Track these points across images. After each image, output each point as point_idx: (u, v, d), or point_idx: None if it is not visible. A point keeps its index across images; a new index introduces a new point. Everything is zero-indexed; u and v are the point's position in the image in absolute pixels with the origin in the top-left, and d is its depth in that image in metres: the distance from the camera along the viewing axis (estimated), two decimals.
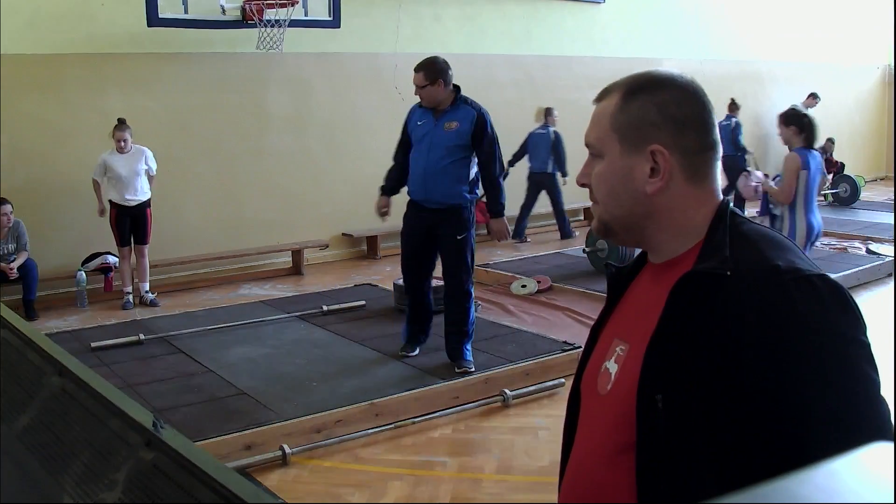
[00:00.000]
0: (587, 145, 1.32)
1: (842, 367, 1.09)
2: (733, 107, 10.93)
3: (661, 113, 1.23)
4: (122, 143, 6.86)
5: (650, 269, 1.35)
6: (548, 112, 9.72)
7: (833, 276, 1.16)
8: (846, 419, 1.07)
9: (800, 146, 5.45)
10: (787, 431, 1.07)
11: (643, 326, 1.24)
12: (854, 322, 1.12)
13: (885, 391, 1.12)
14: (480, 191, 5.21)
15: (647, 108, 1.24)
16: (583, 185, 1.34)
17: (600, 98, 1.32)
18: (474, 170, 5.06)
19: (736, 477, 1.08)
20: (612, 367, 1.30)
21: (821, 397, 1.07)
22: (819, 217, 5.60)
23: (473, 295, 5.25)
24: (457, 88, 5.04)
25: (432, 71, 4.91)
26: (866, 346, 1.12)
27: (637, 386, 1.19)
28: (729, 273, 1.13)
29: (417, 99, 5.10)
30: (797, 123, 5.47)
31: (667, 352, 1.17)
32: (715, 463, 1.11)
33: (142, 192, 6.99)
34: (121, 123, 6.90)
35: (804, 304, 1.10)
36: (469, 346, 5.19)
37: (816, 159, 5.49)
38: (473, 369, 5.05)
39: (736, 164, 9.90)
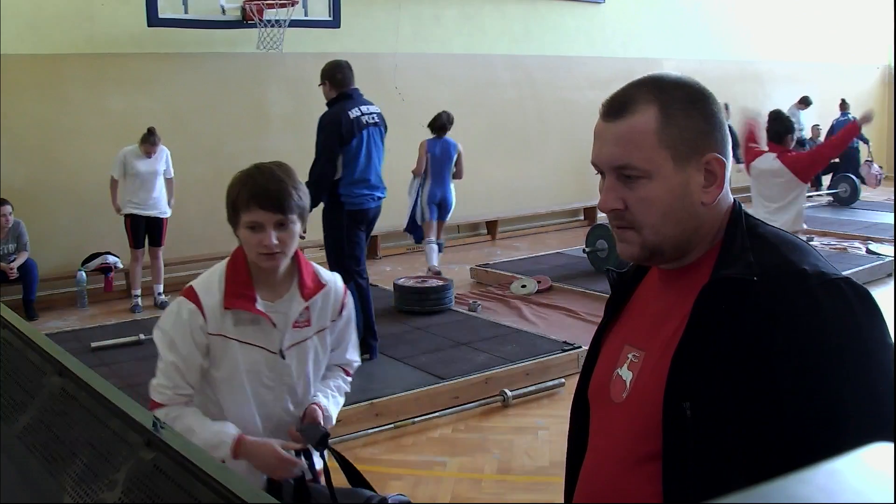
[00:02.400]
0: (620, 167, 1.21)
1: (871, 370, 1.09)
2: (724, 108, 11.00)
3: (706, 120, 1.21)
4: (152, 149, 6.82)
5: (657, 274, 1.32)
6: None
7: None
8: (878, 421, 1.06)
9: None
10: (819, 435, 1.06)
11: (659, 333, 1.23)
12: (880, 325, 1.13)
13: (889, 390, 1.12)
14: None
15: (693, 116, 1.20)
16: (613, 211, 1.24)
17: (619, 114, 1.21)
18: (340, 170, 5.15)
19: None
20: (625, 374, 1.28)
21: (853, 400, 1.07)
22: None
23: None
24: (341, 96, 5.19)
25: (324, 72, 5.27)
26: (892, 349, 1.12)
27: (662, 393, 1.17)
28: (756, 279, 1.13)
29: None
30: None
31: (694, 359, 1.15)
32: (745, 468, 1.11)
33: (160, 201, 6.98)
34: (151, 134, 6.79)
35: (832, 309, 1.10)
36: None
37: None
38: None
39: None
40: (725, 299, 1.14)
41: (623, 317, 1.38)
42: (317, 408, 2.12)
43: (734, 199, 1.27)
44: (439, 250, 7.65)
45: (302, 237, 2.04)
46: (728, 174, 1.23)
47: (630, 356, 1.28)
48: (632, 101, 1.21)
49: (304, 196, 2.01)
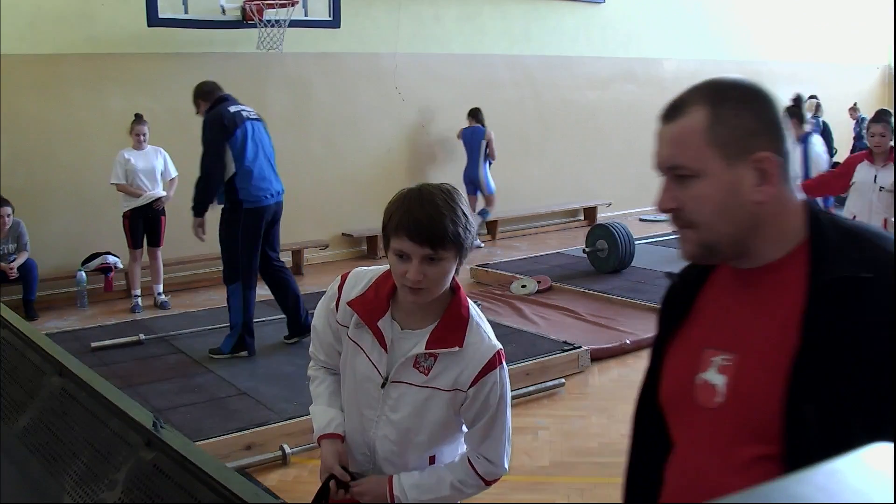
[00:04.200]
0: (672, 167, 1.25)
1: None
2: None
3: (757, 119, 1.23)
4: (142, 137, 6.88)
5: (731, 275, 1.32)
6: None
7: None
8: None
9: None
10: None
11: (752, 334, 1.23)
12: None
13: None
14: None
15: (743, 116, 1.22)
16: (669, 211, 1.27)
17: (672, 116, 1.26)
18: (232, 166, 5.31)
19: None
20: (715, 378, 1.27)
21: None
22: None
23: (234, 293, 5.49)
24: (218, 100, 5.42)
25: (193, 95, 5.59)
26: None
27: (778, 396, 1.17)
28: (871, 275, 1.14)
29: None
30: None
31: (817, 359, 1.15)
32: None
33: (157, 192, 6.98)
34: (139, 118, 6.92)
35: None
36: (228, 339, 5.54)
37: None
38: (217, 357, 5.44)
39: None
40: (843, 299, 1.15)
41: (692, 321, 1.36)
42: (384, 484, 1.89)
43: (810, 200, 1.27)
44: (483, 218, 9.22)
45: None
46: (788, 173, 1.24)
47: (717, 360, 1.28)
48: (685, 103, 1.25)
49: (466, 230, 1.76)
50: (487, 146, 9.17)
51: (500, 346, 1.88)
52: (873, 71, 15.05)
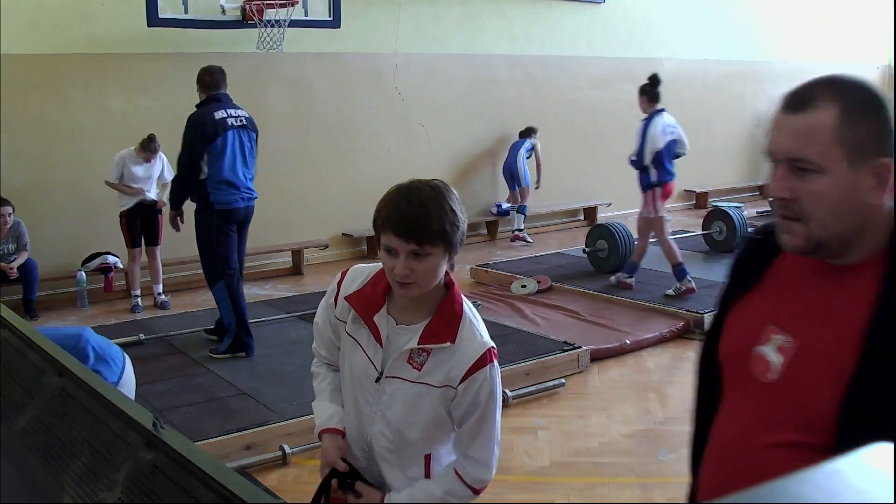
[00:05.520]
0: (794, 159, 1.26)
1: None
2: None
3: (882, 126, 1.25)
4: (150, 156, 6.89)
5: (814, 264, 1.34)
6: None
7: None
8: None
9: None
10: None
11: (822, 326, 1.28)
12: None
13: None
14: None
15: (873, 121, 1.25)
16: (781, 200, 1.29)
17: (800, 108, 1.27)
18: (206, 169, 5.35)
19: None
20: (773, 356, 1.33)
21: None
22: None
23: (214, 292, 5.58)
24: (210, 99, 5.44)
25: (197, 76, 5.56)
26: None
27: (839, 390, 1.21)
28: None
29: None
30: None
31: (879, 364, 1.19)
32: None
33: (153, 194, 6.99)
34: (151, 142, 6.84)
35: None
36: (224, 339, 5.59)
37: None
38: (217, 356, 5.47)
39: None
40: None
41: (761, 289, 1.41)
42: (376, 493, 1.91)
43: None
44: (520, 212, 9.61)
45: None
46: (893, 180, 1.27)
47: (777, 338, 1.33)
48: (814, 96, 1.26)
49: (454, 226, 1.77)
50: (532, 149, 9.71)
51: (492, 344, 1.88)
52: (873, 71, 15.04)
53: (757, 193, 12.81)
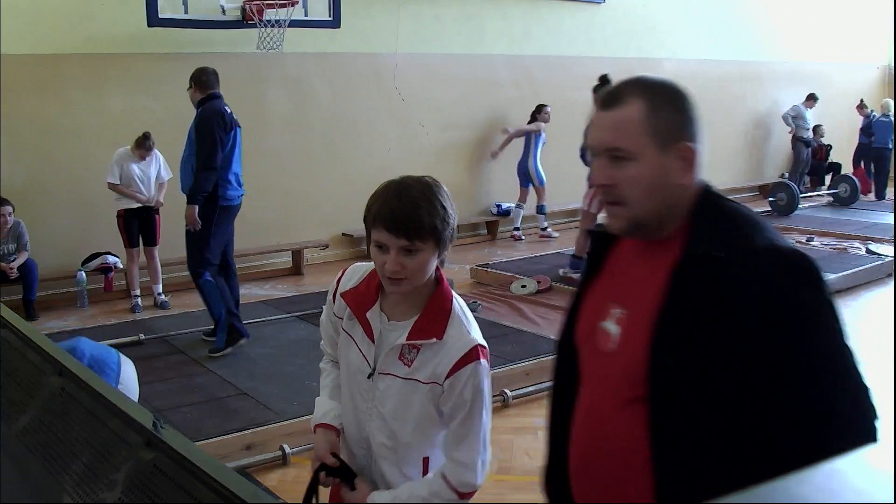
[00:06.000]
0: (611, 149, 1.42)
1: (822, 333, 1.34)
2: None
3: (683, 114, 1.44)
4: (145, 154, 6.89)
5: (631, 242, 1.53)
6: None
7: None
8: (833, 366, 1.33)
9: None
10: (782, 381, 1.31)
11: (640, 295, 1.45)
12: (824, 288, 1.36)
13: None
14: None
15: (673, 110, 1.43)
16: (602, 187, 1.44)
17: (611, 105, 1.43)
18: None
19: (742, 412, 1.33)
20: (611, 327, 1.49)
21: (815, 363, 1.32)
22: None
23: (203, 285, 5.57)
24: (212, 96, 5.47)
25: (192, 77, 5.57)
26: (833, 307, 1.36)
27: (647, 348, 1.38)
28: (723, 256, 1.34)
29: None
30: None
31: (674, 319, 1.37)
32: (720, 407, 1.35)
33: (152, 196, 6.99)
34: (146, 139, 6.85)
35: (784, 278, 1.33)
36: (219, 334, 5.61)
37: None
38: (219, 354, 5.49)
39: None
40: (698, 272, 1.37)
41: (604, 273, 1.59)
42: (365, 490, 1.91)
43: (705, 183, 1.47)
44: (541, 212, 9.83)
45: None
46: (699, 160, 1.44)
47: (615, 312, 1.49)
48: (623, 93, 1.43)
49: (444, 222, 1.78)
50: (533, 138, 9.73)
51: (481, 341, 1.87)
52: (873, 71, 15.05)
53: (757, 193, 12.81)
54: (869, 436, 1.29)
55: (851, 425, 1.31)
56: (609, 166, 1.42)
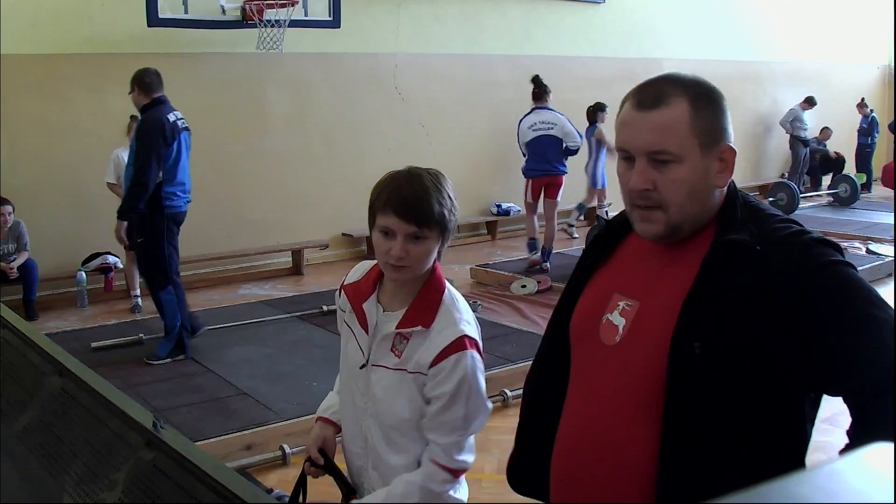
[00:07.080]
0: (655, 152, 1.37)
1: (866, 291, 1.35)
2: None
3: (723, 115, 1.42)
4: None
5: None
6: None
7: None
8: (873, 346, 1.30)
9: None
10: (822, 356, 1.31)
11: (660, 287, 1.42)
12: (854, 267, 1.37)
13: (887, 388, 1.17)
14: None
15: (716, 112, 1.41)
16: (643, 191, 1.39)
17: (653, 105, 1.38)
18: (159, 178, 5.26)
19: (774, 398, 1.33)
20: (617, 320, 1.45)
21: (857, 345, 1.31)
22: None
23: (162, 296, 5.51)
24: (156, 101, 5.32)
25: (133, 79, 5.41)
26: (868, 284, 1.36)
27: (668, 337, 1.35)
28: (758, 247, 1.34)
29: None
30: None
31: (703, 307, 1.34)
32: (747, 397, 1.33)
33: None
34: (134, 119, 6.86)
35: (818, 257, 1.33)
36: (165, 343, 5.53)
37: None
38: (157, 362, 5.39)
39: None
40: (731, 259, 1.35)
41: (610, 266, 1.55)
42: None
43: (731, 181, 1.46)
44: (579, 210, 9.98)
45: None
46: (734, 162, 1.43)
47: (622, 304, 1.46)
48: (664, 94, 1.38)
49: (449, 212, 1.80)
50: (599, 142, 9.66)
51: (468, 332, 1.83)
52: (873, 71, 15.05)
53: (757, 193, 12.81)
54: None
55: None
56: (649, 170, 1.37)
